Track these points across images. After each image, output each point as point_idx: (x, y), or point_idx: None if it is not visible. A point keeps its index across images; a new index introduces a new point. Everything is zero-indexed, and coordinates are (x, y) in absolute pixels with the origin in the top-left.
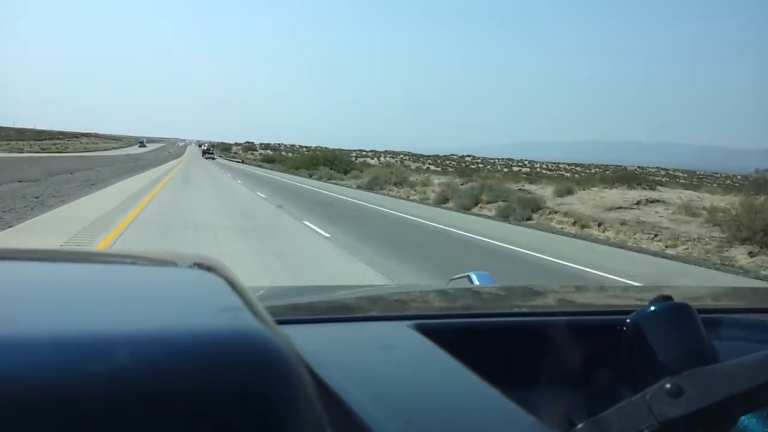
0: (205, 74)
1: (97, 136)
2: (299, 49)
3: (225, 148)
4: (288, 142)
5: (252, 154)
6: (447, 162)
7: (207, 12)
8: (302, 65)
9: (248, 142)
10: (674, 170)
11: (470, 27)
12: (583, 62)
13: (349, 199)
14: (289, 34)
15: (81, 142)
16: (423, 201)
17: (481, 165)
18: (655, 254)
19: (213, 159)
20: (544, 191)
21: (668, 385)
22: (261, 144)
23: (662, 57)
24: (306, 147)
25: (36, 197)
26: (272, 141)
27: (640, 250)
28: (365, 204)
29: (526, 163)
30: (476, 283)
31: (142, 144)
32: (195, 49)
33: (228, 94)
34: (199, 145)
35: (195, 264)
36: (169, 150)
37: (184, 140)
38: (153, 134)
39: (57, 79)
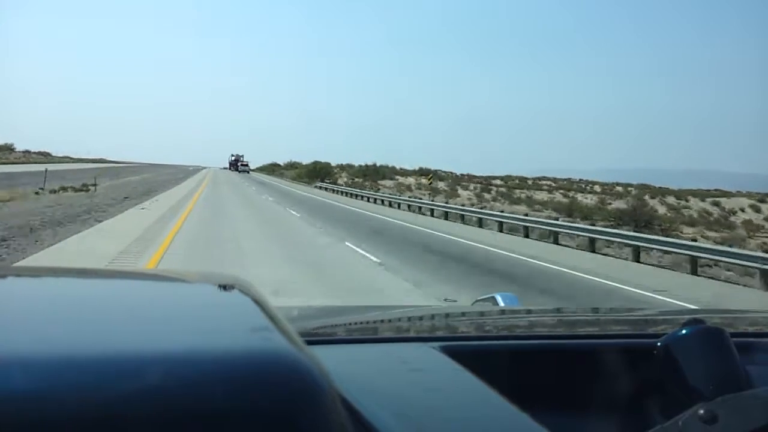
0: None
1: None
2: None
3: (321, 170)
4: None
5: (430, 191)
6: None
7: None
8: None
9: (346, 164)
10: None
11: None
12: (621, 93)
13: None
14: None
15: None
16: None
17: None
18: None
19: (248, 173)
20: None
21: (702, 411)
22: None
23: (694, 90)
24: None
25: None
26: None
27: None
28: None
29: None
30: (501, 304)
31: None
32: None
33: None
34: (231, 165)
35: (223, 284)
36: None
37: (206, 167)
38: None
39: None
